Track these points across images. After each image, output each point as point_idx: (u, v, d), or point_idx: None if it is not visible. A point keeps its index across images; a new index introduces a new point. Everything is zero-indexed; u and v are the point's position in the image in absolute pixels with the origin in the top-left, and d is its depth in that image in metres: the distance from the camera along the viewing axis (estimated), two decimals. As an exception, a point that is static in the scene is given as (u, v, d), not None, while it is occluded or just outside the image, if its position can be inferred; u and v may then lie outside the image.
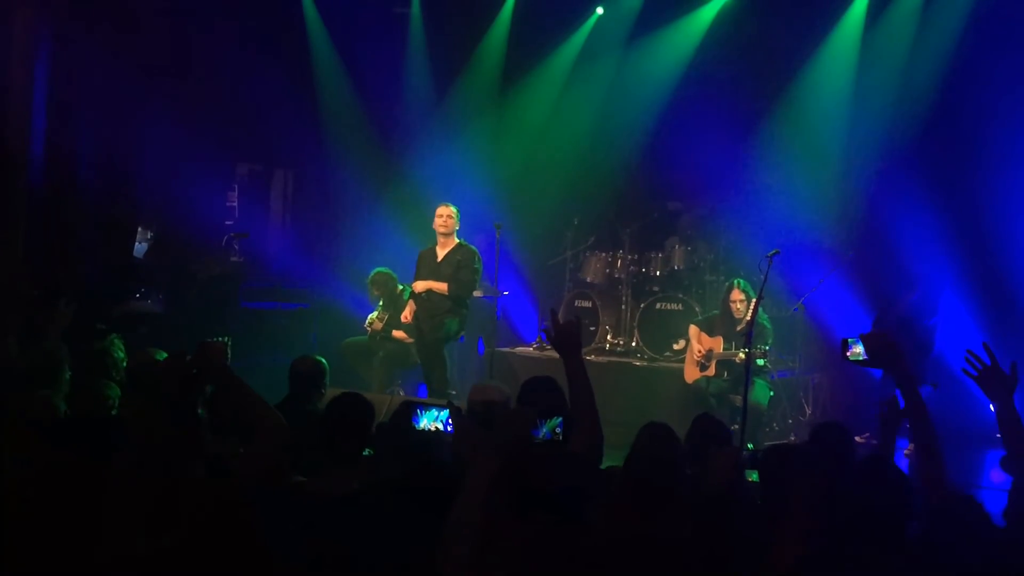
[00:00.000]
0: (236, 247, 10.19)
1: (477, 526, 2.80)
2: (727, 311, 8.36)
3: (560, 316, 3.88)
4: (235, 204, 11.60)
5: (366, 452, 4.23)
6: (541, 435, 3.63)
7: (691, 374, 8.44)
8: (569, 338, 3.75)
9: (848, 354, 4.50)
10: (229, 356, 5.46)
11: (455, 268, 8.48)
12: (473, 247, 8.64)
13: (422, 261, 8.65)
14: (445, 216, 8.49)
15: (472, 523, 2.80)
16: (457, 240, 8.60)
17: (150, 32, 9.42)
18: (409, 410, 4.34)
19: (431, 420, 4.22)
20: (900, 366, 3.73)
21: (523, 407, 3.22)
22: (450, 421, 4.01)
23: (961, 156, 9.09)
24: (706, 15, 10.42)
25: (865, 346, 4.00)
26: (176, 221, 9.99)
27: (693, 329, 8.57)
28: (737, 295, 8.26)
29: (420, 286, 8.51)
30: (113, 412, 4.79)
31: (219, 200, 11.08)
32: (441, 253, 8.56)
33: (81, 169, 9.04)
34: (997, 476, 7.37)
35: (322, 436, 3.98)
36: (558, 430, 3.12)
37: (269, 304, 10.53)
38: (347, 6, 10.59)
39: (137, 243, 10.07)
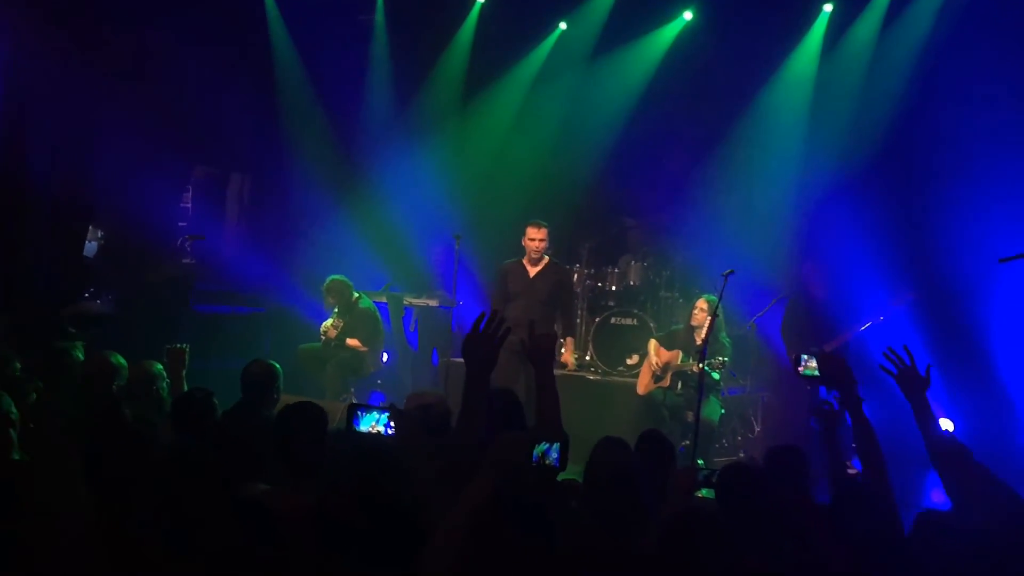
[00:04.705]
0: (189, 248, 10.07)
1: (460, 546, 2.78)
2: (690, 320, 8.44)
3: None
4: (189, 206, 11.48)
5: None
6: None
7: (644, 385, 8.51)
8: (544, 351, 3.93)
9: (800, 368, 4.66)
10: (187, 362, 5.43)
11: (553, 289, 8.07)
12: (566, 266, 8.16)
13: (509, 277, 8.11)
14: (538, 240, 8.02)
15: (456, 543, 2.78)
16: (547, 257, 8.20)
17: (109, 33, 9.28)
18: (351, 414, 4.32)
19: (371, 423, 4.20)
20: (850, 389, 3.86)
21: (520, 432, 3.25)
22: (391, 424, 4.02)
23: (914, 182, 9.28)
24: (667, 35, 10.55)
25: (819, 364, 4.13)
26: (129, 221, 9.84)
27: (653, 343, 8.66)
28: (702, 303, 8.39)
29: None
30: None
31: (173, 201, 10.95)
32: (532, 270, 8.11)
33: (35, 168, 8.87)
34: (937, 496, 7.51)
35: (276, 446, 3.95)
36: (554, 456, 3.10)
37: (223, 308, 10.43)
38: (310, 12, 10.55)
39: (87, 242, 9.91)
